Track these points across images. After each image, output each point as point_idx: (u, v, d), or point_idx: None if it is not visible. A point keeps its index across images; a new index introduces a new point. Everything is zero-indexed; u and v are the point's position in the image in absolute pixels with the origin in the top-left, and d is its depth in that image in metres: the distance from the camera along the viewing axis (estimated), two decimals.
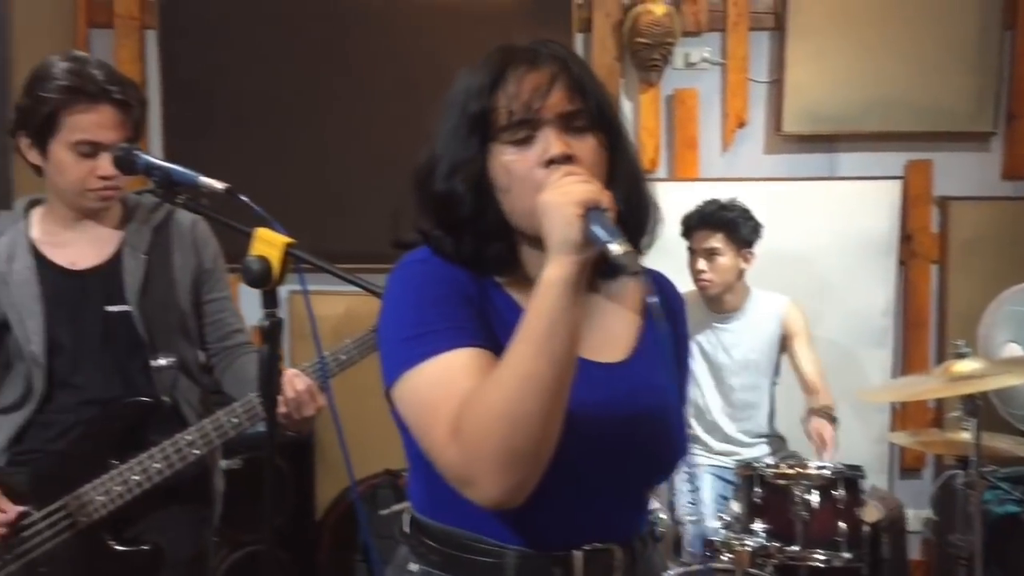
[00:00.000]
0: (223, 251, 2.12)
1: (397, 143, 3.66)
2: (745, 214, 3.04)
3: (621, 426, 1.19)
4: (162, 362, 1.97)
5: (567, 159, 1.15)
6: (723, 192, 3.23)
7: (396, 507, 2.96)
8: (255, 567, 3.24)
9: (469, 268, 1.22)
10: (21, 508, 1.88)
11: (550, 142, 1.16)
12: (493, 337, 1.16)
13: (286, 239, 1.55)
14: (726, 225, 3.00)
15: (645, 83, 3.71)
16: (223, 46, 3.68)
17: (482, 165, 1.20)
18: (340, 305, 3.25)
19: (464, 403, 1.08)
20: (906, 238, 3.72)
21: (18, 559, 1.88)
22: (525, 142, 1.17)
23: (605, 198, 1.09)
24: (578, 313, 1.08)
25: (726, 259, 3.03)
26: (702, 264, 3.03)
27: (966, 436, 2.62)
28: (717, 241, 3.01)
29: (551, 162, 1.15)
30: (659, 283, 1.33)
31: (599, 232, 1.06)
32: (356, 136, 3.66)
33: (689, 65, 3.71)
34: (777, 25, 3.68)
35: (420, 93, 3.67)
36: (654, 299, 1.15)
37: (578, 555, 1.19)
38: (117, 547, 1.92)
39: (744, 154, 3.76)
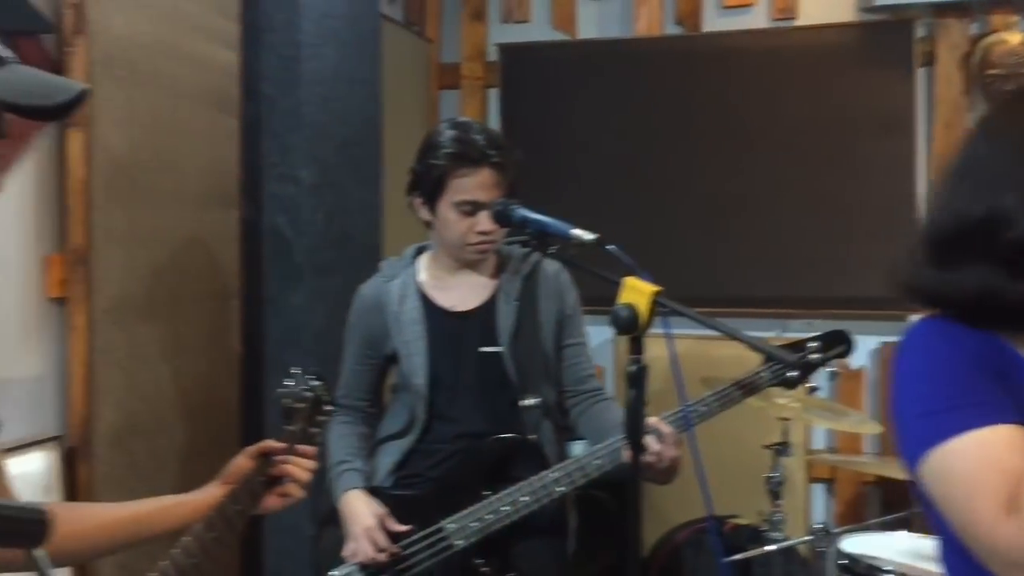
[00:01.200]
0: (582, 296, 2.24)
1: (740, 188, 3.72)
2: None
3: None
4: (530, 402, 2.11)
5: None
6: None
7: (754, 552, 2.87)
8: None
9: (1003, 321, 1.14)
10: (405, 528, 2.08)
11: None
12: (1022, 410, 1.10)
13: (653, 288, 1.60)
14: None
15: None
16: (560, 100, 3.88)
17: None
18: (724, 349, 3.29)
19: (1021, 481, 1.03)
20: None
21: (401, 573, 2.07)
22: None
23: None
24: None
25: None
26: None
27: None
28: None
29: None
30: None
31: None
32: (688, 183, 3.73)
33: None
34: None
35: (750, 134, 3.68)
36: None
37: None
38: (489, 572, 2.06)
39: None
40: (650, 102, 3.79)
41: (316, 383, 1.49)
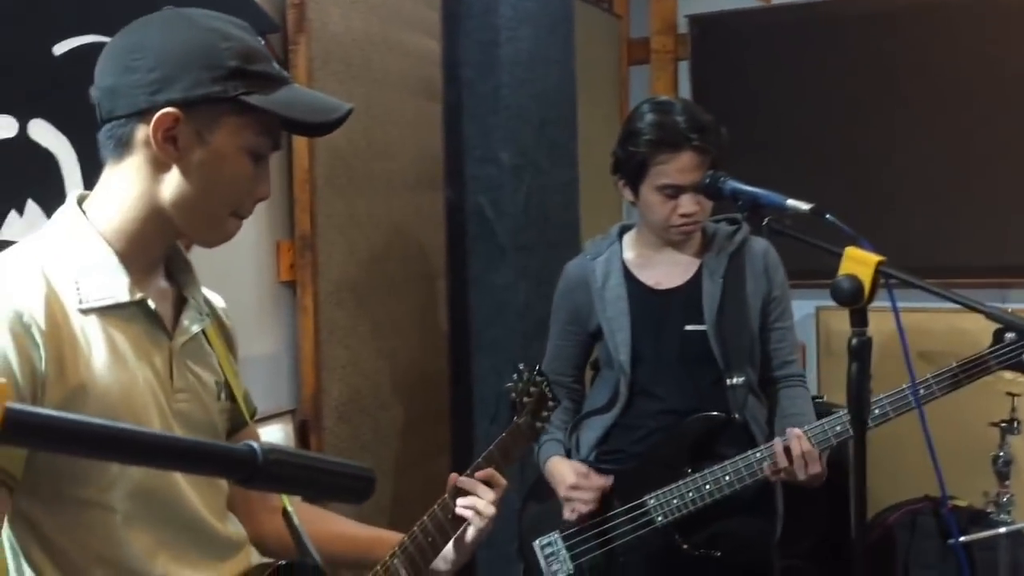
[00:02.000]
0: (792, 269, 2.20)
1: (946, 153, 3.52)
2: None
3: None
4: (735, 381, 2.08)
5: None
6: None
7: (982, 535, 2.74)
8: None
9: None
10: (608, 480, 2.10)
11: None
12: None
13: (877, 257, 1.54)
14: None
15: None
16: (753, 69, 3.79)
17: None
18: (938, 322, 3.16)
19: None
20: None
21: (603, 546, 2.10)
22: None
23: None
24: None
25: None
26: None
27: None
28: None
29: None
30: None
31: None
32: (893, 149, 3.55)
33: None
34: None
35: (960, 96, 3.46)
36: None
37: None
38: (689, 549, 2.06)
39: None
40: (850, 67, 3.64)
41: (540, 379, 1.55)
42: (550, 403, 1.57)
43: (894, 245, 3.38)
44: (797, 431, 1.97)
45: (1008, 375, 2.67)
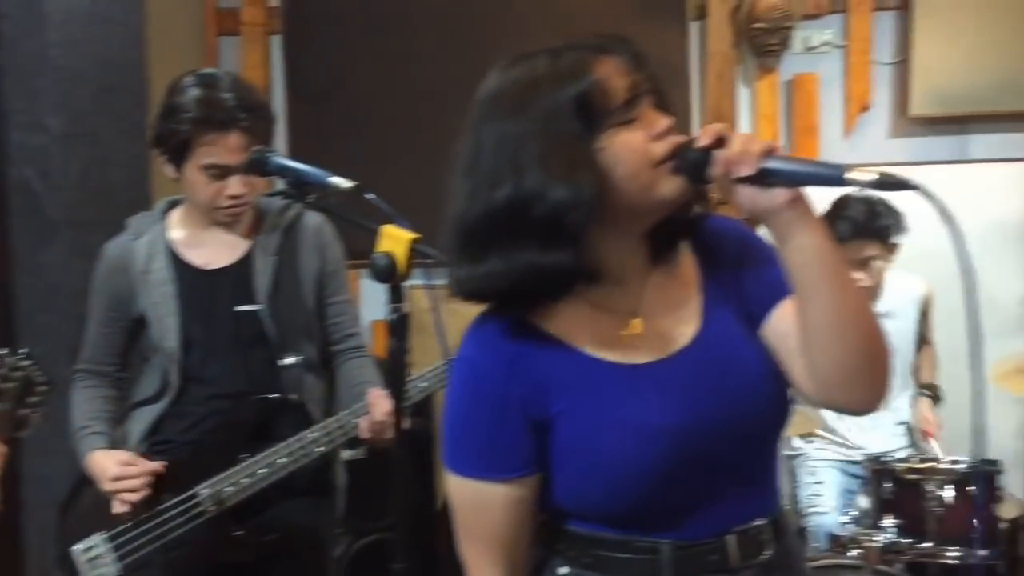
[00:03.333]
0: (349, 250, 2.19)
1: None
2: (895, 213, 2.86)
3: (688, 423, 1.18)
4: (289, 361, 2.04)
5: (670, 130, 1.16)
6: None
7: None
8: (380, 555, 3.33)
9: (525, 298, 1.18)
10: (158, 465, 1.98)
11: (656, 116, 1.17)
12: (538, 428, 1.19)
13: (411, 235, 1.58)
14: (881, 233, 2.86)
15: (763, 69, 3.63)
16: (346, 48, 3.78)
17: (596, 158, 1.13)
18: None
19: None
20: None
21: (152, 543, 1.98)
22: (631, 123, 1.16)
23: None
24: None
25: (881, 262, 2.90)
26: (858, 274, 2.85)
27: None
28: (873, 250, 2.86)
29: (661, 135, 1.15)
30: (715, 228, 1.28)
31: (798, 169, 1.11)
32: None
33: (809, 49, 3.62)
34: (902, 4, 3.55)
35: None
36: None
37: (731, 538, 1.21)
38: (243, 535, 2.00)
39: (867, 139, 3.64)
40: (439, 47, 3.74)
41: (27, 363, 1.39)
42: (39, 388, 1.41)
43: None
44: (378, 391, 1.98)
45: None
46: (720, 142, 1.13)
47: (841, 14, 3.60)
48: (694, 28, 3.66)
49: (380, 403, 1.97)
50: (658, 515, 1.19)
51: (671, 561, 1.19)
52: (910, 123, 3.59)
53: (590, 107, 1.13)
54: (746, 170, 1.10)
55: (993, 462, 2.55)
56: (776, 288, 1.21)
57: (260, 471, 1.97)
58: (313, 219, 2.12)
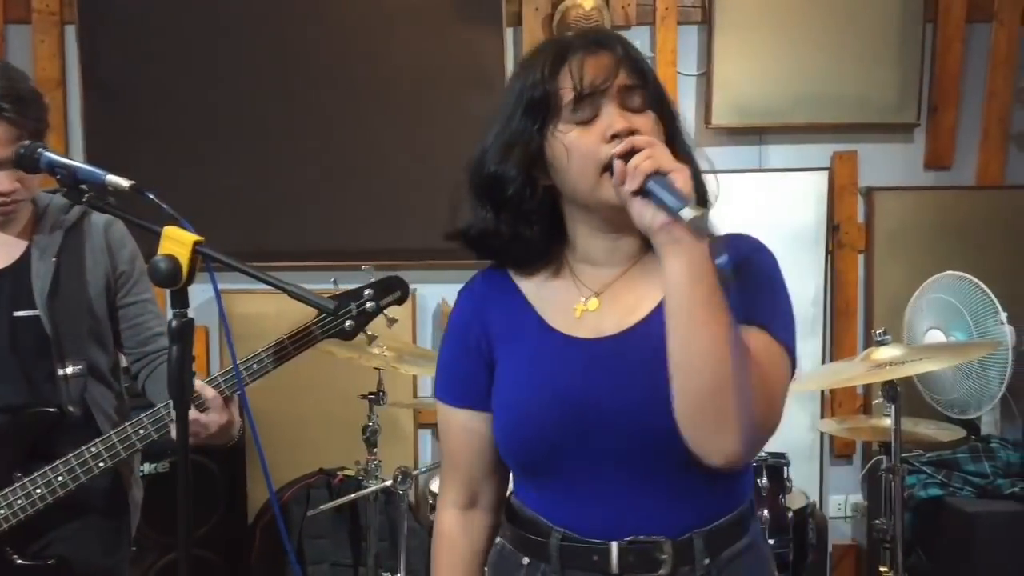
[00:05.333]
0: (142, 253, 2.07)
1: (329, 139, 3.66)
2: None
3: (583, 400, 1.23)
4: (69, 370, 1.92)
5: (630, 133, 1.18)
6: None
7: (324, 507, 2.93)
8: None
9: (503, 256, 1.34)
10: None
11: (613, 118, 1.20)
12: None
13: (195, 237, 1.51)
14: None
15: None
16: (145, 40, 3.60)
17: (539, 146, 1.25)
18: (272, 304, 3.21)
19: None
20: (833, 228, 3.79)
21: None
22: (588, 121, 1.21)
23: (674, 165, 1.15)
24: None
25: None
26: None
27: (888, 422, 2.67)
28: None
29: (615, 136, 1.18)
30: (736, 244, 1.27)
31: (665, 198, 1.12)
32: (284, 133, 3.61)
33: None
34: (705, 19, 3.71)
35: (350, 88, 3.64)
36: (723, 261, 1.16)
37: (614, 545, 1.23)
38: (20, 561, 1.87)
39: None
40: (230, 46, 3.60)
41: None
42: None
43: (246, 229, 3.47)
44: (199, 382, 1.85)
45: (375, 349, 2.88)
46: (631, 153, 1.15)
47: (648, 26, 3.72)
48: (509, 34, 3.69)
49: (207, 390, 1.83)
50: (556, 495, 1.27)
51: (558, 550, 1.26)
52: (712, 133, 3.76)
53: (535, 102, 1.23)
54: (631, 185, 1.13)
55: (780, 455, 2.69)
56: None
57: (36, 491, 1.83)
58: (101, 218, 2.00)
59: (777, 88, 3.70)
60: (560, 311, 1.31)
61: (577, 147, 1.21)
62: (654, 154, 1.14)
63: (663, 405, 1.17)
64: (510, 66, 3.69)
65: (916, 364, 2.55)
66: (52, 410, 1.90)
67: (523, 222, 1.28)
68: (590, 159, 1.20)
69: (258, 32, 3.62)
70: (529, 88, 1.24)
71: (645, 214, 1.15)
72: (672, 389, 1.16)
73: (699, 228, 1.11)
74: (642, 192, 1.14)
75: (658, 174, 1.13)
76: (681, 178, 1.13)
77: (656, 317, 1.23)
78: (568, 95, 1.21)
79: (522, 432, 1.28)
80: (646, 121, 1.22)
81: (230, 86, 3.60)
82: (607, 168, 1.19)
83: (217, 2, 3.63)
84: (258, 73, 3.61)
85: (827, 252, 3.76)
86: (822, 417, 3.72)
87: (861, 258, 3.83)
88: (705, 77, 3.73)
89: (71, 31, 3.63)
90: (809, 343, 3.74)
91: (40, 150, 1.72)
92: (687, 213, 1.09)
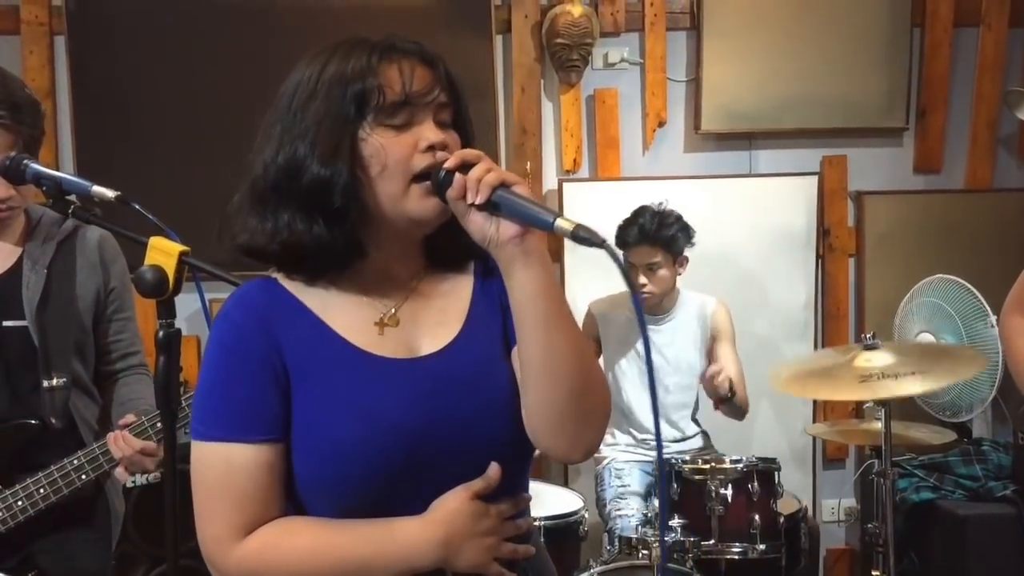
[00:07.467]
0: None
1: None
2: (682, 226, 3.03)
3: (424, 427, 1.16)
4: (54, 382, 1.91)
5: (443, 147, 1.17)
6: (645, 191, 3.26)
7: None
8: None
9: (303, 266, 1.21)
10: None
11: (428, 129, 1.17)
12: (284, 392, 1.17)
13: (180, 247, 1.51)
14: (666, 242, 3.00)
15: (565, 83, 3.72)
16: (134, 51, 3.60)
17: (356, 146, 1.16)
18: None
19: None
20: (824, 232, 3.80)
21: None
22: (400, 128, 1.17)
23: (516, 178, 1.12)
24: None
25: (666, 271, 3.03)
26: (643, 279, 3.01)
27: (880, 426, 2.67)
28: (658, 256, 3.00)
29: (430, 148, 1.16)
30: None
31: (526, 209, 1.09)
32: (238, 143, 3.61)
33: (608, 65, 3.73)
34: (693, 25, 3.72)
35: None
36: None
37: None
38: (1, 574, 1.86)
39: (665, 152, 3.79)
40: (218, 56, 3.61)
41: None
42: None
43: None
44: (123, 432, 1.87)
45: None
46: (465, 167, 1.13)
47: (637, 32, 3.73)
48: (499, 41, 3.70)
49: (129, 442, 1.86)
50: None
51: None
52: (702, 138, 3.77)
53: (363, 95, 1.16)
54: (476, 198, 1.11)
55: (771, 460, 2.69)
56: None
57: (17, 504, 1.83)
58: (95, 232, 2.00)
59: (766, 93, 3.71)
60: (357, 328, 1.20)
61: (387, 149, 1.16)
62: (494, 167, 1.12)
63: (493, 414, 1.19)
64: (500, 73, 3.70)
65: (906, 381, 2.47)
66: (34, 422, 1.90)
67: (339, 228, 1.16)
68: (400, 167, 1.15)
69: (246, 42, 3.62)
70: (353, 75, 1.16)
71: (487, 227, 1.11)
72: (530, 397, 1.16)
73: (581, 236, 1.05)
74: (488, 205, 1.11)
75: (503, 186, 1.10)
76: (526, 190, 1.11)
77: (467, 332, 1.24)
78: (392, 95, 1.16)
79: (346, 471, 1.14)
80: (455, 140, 1.20)
81: (219, 96, 3.60)
82: (416, 178, 1.16)
83: (205, 13, 3.63)
84: (246, 83, 3.61)
85: (817, 256, 3.77)
86: (814, 421, 3.73)
87: (852, 262, 3.84)
88: (694, 83, 3.74)
89: (60, 42, 3.63)
90: (800, 347, 3.74)
91: (26, 161, 1.73)
92: (563, 224, 1.06)
